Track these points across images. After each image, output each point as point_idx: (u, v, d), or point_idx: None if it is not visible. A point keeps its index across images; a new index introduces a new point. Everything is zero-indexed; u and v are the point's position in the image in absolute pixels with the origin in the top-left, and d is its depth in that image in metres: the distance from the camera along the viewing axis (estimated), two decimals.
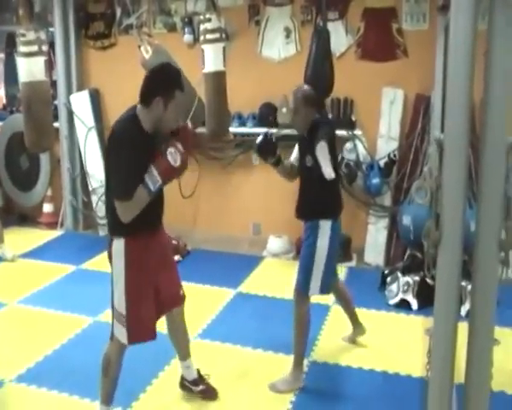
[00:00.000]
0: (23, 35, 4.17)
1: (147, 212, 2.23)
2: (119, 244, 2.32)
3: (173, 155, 2.20)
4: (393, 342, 3.36)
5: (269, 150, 2.90)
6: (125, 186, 2.17)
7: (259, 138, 2.91)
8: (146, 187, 2.17)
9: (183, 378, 2.79)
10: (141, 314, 2.35)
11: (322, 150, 2.59)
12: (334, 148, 2.80)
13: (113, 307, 2.41)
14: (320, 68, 3.86)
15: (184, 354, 2.74)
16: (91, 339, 3.44)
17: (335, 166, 2.74)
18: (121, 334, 2.38)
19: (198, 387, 2.76)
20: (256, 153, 3.01)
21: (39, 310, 3.83)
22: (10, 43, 5.85)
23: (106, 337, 3.41)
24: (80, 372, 3.03)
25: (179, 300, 2.58)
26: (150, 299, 2.38)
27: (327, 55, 4.01)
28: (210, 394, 2.77)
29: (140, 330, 2.38)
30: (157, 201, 2.31)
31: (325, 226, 2.74)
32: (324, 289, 2.83)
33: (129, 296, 2.31)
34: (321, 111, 3.08)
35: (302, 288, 2.81)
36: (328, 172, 2.55)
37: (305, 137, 2.79)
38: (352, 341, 3.32)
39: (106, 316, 3.72)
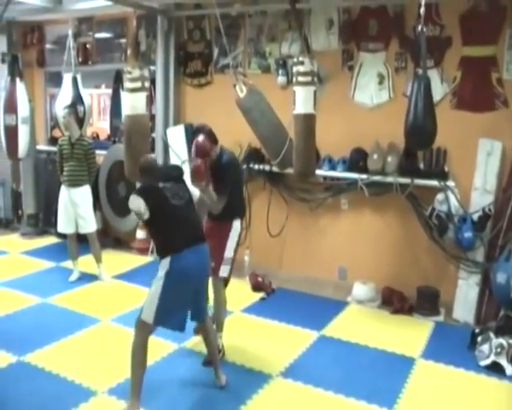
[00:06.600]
0: (129, 72, 4.53)
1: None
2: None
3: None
4: (483, 406, 3.18)
5: None
6: None
7: None
8: None
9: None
10: None
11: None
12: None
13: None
14: (422, 119, 3.74)
15: None
16: (176, 363, 3.57)
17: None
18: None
19: None
20: None
21: (130, 330, 4.00)
22: (117, 80, 6.34)
23: (189, 363, 3.54)
24: (166, 394, 3.17)
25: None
26: None
27: (429, 105, 3.79)
28: None
29: None
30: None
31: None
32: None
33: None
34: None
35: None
36: None
37: None
38: None
39: (190, 343, 3.85)
